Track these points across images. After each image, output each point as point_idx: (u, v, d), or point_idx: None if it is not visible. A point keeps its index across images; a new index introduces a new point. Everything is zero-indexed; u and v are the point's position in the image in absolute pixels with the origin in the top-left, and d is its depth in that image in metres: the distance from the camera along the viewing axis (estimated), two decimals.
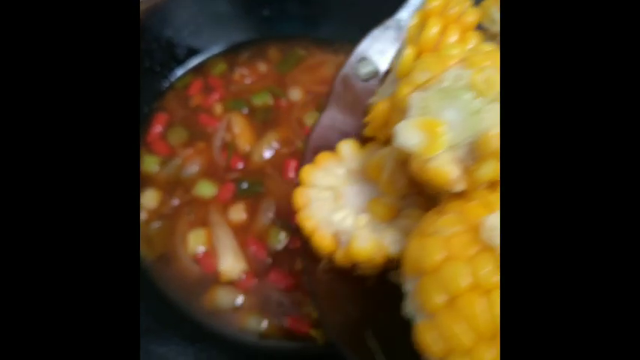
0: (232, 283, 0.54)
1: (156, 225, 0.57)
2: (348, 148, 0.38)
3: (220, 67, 0.69)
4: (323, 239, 0.35)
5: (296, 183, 0.58)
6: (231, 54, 0.70)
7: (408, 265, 0.28)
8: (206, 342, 0.52)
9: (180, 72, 0.69)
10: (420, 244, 0.27)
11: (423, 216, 0.30)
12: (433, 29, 0.35)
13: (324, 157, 0.38)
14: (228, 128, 0.63)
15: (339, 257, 0.35)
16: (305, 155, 0.41)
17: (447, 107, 0.27)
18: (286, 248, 0.55)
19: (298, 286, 0.54)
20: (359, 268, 0.35)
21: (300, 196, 0.37)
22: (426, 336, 0.25)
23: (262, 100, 0.65)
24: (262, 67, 0.69)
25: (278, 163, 0.61)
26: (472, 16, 0.36)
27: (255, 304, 0.53)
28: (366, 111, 0.41)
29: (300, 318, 0.52)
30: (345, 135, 0.40)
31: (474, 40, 0.36)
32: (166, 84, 0.68)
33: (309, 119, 0.64)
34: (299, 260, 0.54)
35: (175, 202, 0.58)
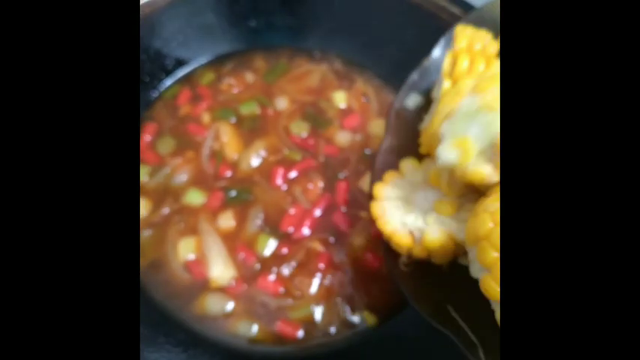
0: (222, 290, 0.55)
1: (146, 233, 0.58)
2: (409, 164, 0.46)
3: (208, 77, 0.70)
4: (402, 238, 0.42)
5: (283, 190, 0.60)
6: (218, 64, 0.71)
7: (469, 238, 0.35)
8: (198, 348, 0.52)
9: (168, 82, 0.70)
10: (474, 220, 0.34)
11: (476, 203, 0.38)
12: (464, 64, 0.45)
13: (390, 175, 0.46)
14: (216, 137, 0.64)
15: (417, 250, 0.42)
16: (373, 177, 0.49)
17: (469, 126, 0.36)
18: (275, 254, 0.57)
19: (287, 291, 0.55)
20: (434, 257, 0.42)
21: (376, 208, 0.44)
22: (488, 285, 0.32)
23: (249, 109, 0.66)
24: (249, 76, 0.70)
25: (266, 170, 0.62)
26: (494, 47, 0.46)
27: (245, 309, 0.54)
28: (417, 134, 0.49)
29: (290, 322, 0.54)
30: (403, 156, 0.48)
31: (497, 64, 0.44)
32: (155, 94, 0.69)
33: (295, 127, 0.65)
34: (286, 266, 0.56)
35: (165, 210, 0.59)
